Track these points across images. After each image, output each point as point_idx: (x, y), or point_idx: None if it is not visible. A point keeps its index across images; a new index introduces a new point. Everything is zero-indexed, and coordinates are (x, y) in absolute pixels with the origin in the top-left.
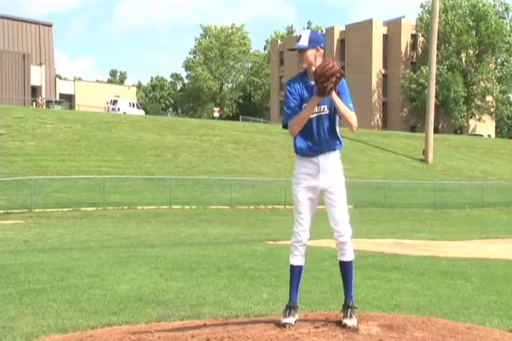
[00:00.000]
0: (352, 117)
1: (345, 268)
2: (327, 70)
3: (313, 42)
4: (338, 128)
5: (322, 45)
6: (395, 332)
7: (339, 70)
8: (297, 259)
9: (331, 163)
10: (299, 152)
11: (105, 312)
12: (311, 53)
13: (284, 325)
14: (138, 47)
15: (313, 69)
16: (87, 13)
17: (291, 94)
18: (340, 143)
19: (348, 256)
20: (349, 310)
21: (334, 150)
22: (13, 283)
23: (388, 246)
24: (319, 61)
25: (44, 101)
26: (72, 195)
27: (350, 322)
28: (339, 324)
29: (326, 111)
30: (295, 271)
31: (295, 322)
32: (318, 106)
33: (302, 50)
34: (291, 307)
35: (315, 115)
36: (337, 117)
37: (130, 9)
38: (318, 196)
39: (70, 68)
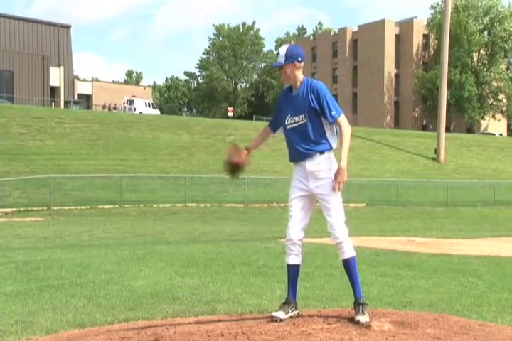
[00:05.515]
0: (346, 134)
1: (347, 265)
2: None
3: (290, 58)
4: (325, 131)
5: (300, 59)
6: (407, 328)
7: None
8: (291, 258)
9: (317, 167)
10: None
11: (122, 307)
12: (287, 69)
13: (271, 317)
14: (167, 50)
15: (293, 82)
16: (127, 21)
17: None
18: (328, 145)
19: (348, 253)
20: (360, 306)
21: (322, 152)
22: (33, 279)
23: (400, 244)
24: (298, 74)
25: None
26: (89, 193)
27: (363, 318)
28: (352, 320)
29: (304, 120)
30: (289, 270)
31: (289, 318)
32: (295, 116)
33: (280, 67)
34: (284, 303)
35: (289, 127)
36: (319, 122)
37: (166, 15)
38: (312, 199)
39: (107, 71)
